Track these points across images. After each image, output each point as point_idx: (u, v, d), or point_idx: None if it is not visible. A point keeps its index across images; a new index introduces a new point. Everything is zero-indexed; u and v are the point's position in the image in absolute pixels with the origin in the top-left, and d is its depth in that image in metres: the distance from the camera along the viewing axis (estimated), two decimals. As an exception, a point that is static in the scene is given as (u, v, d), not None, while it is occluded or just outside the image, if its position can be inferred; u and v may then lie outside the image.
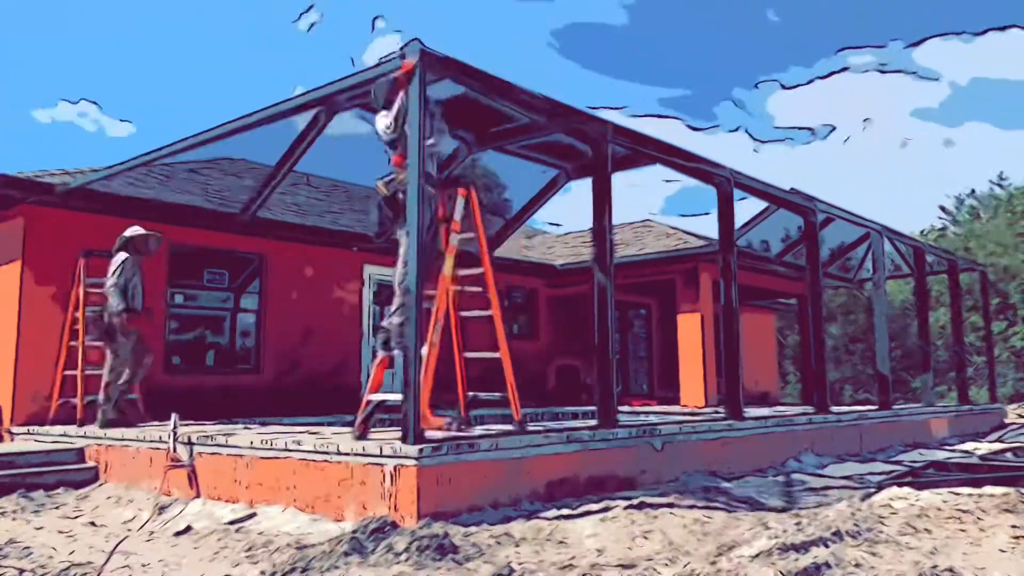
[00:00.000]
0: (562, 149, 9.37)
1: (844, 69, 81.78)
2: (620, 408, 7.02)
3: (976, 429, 13.81)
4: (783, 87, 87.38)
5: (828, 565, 3.76)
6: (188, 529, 5.33)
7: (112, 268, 8.14)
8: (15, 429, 8.64)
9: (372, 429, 6.08)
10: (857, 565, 3.83)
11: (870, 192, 76.99)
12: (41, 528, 5.52)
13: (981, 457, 9.11)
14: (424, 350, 5.56)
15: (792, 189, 10.18)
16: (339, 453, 5.44)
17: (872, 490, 6.47)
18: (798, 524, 4.67)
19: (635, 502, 5.59)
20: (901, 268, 15.83)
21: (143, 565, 4.40)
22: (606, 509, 5.44)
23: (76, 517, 6.00)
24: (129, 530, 5.48)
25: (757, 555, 3.97)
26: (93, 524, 5.73)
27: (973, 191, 38.76)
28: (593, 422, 6.92)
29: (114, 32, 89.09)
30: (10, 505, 6.28)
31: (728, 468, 7.65)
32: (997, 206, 35.55)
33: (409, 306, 5.45)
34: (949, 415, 13.45)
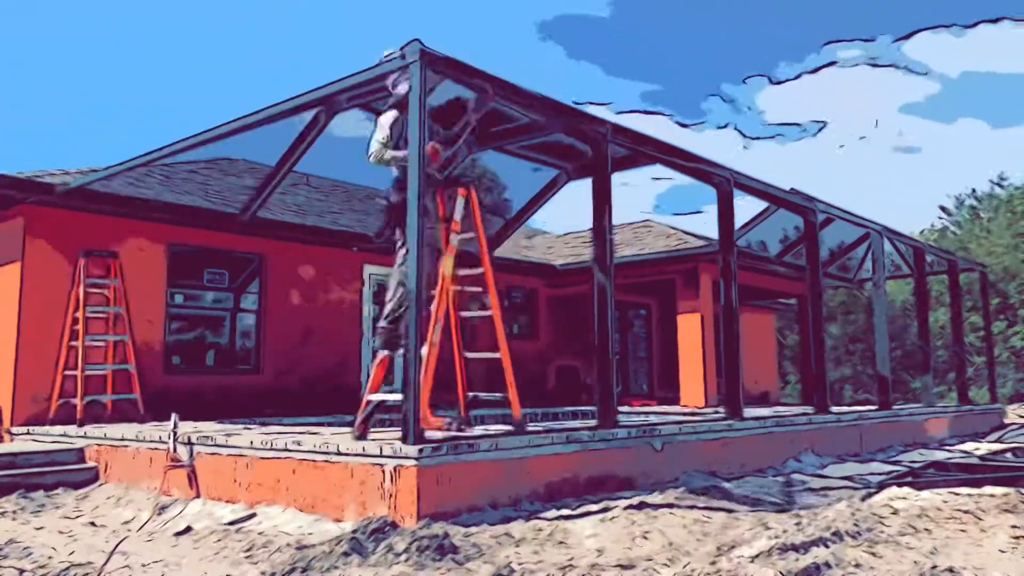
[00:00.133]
0: (562, 149, 9.36)
1: (832, 63, 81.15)
2: (620, 408, 7.02)
3: (976, 429, 13.80)
4: (772, 82, 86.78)
5: (828, 565, 3.76)
6: (188, 529, 5.33)
7: None
8: (15, 429, 8.63)
9: (372, 429, 6.08)
10: (857, 565, 3.83)
11: (864, 190, 76.79)
12: (41, 528, 5.52)
13: (981, 457, 9.11)
14: (424, 350, 5.56)
15: (792, 189, 10.18)
16: (339, 453, 5.44)
17: (872, 490, 6.47)
18: (798, 524, 4.68)
19: (635, 502, 5.59)
20: (901, 268, 15.83)
21: (143, 565, 4.39)
22: (606, 509, 5.44)
23: (76, 517, 6.00)
24: (129, 530, 5.48)
25: (757, 555, 3.97)
26: (93, 524, 5.73)
27: (973, 191, 38.82)
28: (593, 422, 6.92)
29: (114, 32, 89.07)
30: (10, 505, 6.28)
31: (728, 468, 7.65)
32: (997, 206, 35.55)
33: (410, 306, 5.45)
34: (949, 415, 13.44)
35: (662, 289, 16.31)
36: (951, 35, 77.54)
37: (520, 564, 4.11)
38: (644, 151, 7.99)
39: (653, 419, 8.88)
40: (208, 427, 7.48)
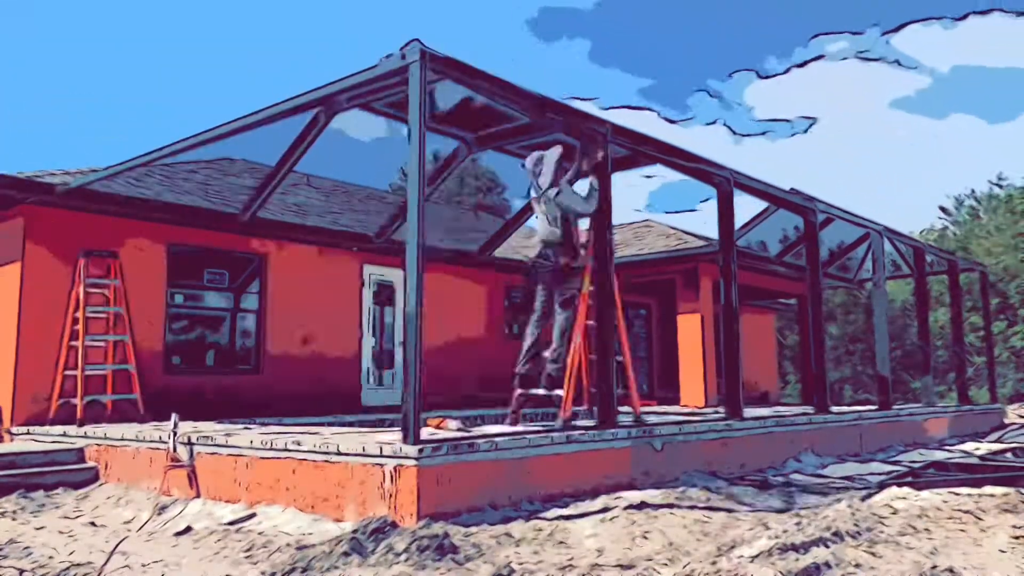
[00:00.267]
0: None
1: (821, 57, 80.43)
2: (620, 408, 7.02)
3: (976, 429, 13.80)
4: (759, 76, 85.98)
5: (828, 565, 3.76)
6: (188, 529, 5.33)
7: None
8: (15, 429, 8.63)
9: (371, 429, 6.09)
10: (857, 565, 3.83)
11: (860, 187, 76.40)
12: (41, 528, 5.52)
13: (981, 457, 9.11)
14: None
15: (792, 189, 10.18)
16: (339, 453, 5.44)
17: (872, 490, 6.47)
18: (798, 524, 4.68)
19: (635, 502, 5.59)
20: (901, 268, 15.83)
21: (143, 565, 4.40)
22: (606, 509, 5.44)
23: (76, 517, 6.00)
24: (129, 530, 5.48)
25: (757, 555, 3.97)
26: (93, 524, 5.73)
27: (973, 191, 38.84)
28: (593, 422, 6.92)
29: (114, 32, 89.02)
30: (10, 505, 6.28)
31: (728, 468, 7.65)
32: (997, 206, 35.56)
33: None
34: (949, 415, 13.44)
35: (662, 289, 16.31)
36: (941, 28, 76.64)
37: (520, 564, 4.11)
38: (644, 151, 7.99)
39: (653, 419, 8.88)
40: (208, 427, 7.48)
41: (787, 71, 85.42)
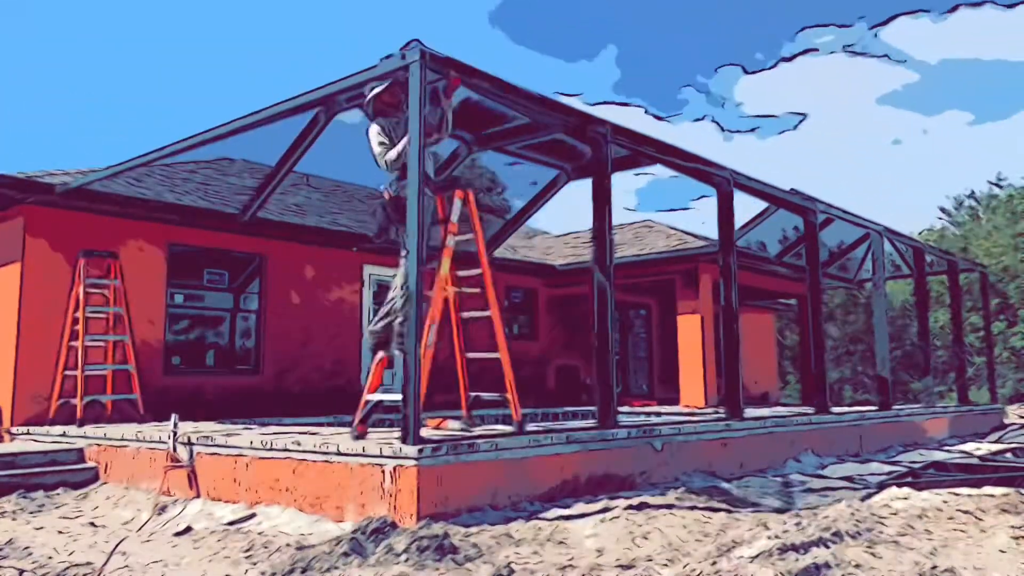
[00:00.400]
0: (562, 149, 9.37)
1: (808, 51, 79.29)
2: (620, 408, 7.03)
3: (976, 429, 13.80)
4: (746, 71, 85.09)
5: (828, 565, 3.76)
6: (188, 529, 5.33)
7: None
8: (15, 429, 8.64)
9: (372, 429, 6.08)
10: (857, 565, 3.83)
11: (852, 185, 75.96)
12: (41, 528, 5.52)
13: (981, 457, 9.10)
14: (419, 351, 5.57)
15: (792, 189, 10.19)
16: (339, 453, 5.44)
17: (872, 490, 6.47)
18: (798, 524, 4.67)
19: (635, 502, 5.58)
20: (901, 268, 15.83)
21: (143, 565, 4.40)
22: (606, 509, 5.44)
23: (76, 517, 6.00)
24: (129, 530, 5.48)
25: (757, 555, 3.97)
26: (93, 524, 5.73)
27: (972, 192, 38.84)
28: (593, 422, 6.92)
29: (114, 32, 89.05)
30: (10, 505, 6.28)
31: (728, 468, 7.65)
32: (996, 207, 35.56)
33: (410, 307, 5.45)
34: (949, 415, 13.44)
35: (662, 289, 16.31)
36: (929, 20, 75.16)
37: (520, 564, 4.11)
38: (644, 151, 7.99)
39: (653, 419, 8.89)
40: (208, 427, 7.48)
41: (774, 66, 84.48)
